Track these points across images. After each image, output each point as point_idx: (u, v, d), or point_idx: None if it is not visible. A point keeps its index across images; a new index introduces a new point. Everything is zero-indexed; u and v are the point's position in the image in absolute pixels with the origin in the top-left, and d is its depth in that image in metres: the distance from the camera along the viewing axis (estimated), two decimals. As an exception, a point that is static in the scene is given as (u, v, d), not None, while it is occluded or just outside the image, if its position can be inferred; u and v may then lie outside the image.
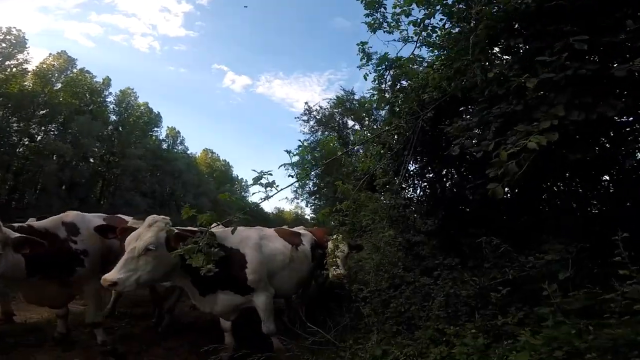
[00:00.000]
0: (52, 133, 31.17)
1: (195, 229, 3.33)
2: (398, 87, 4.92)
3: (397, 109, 4.75)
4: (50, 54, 33.30)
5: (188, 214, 2.91)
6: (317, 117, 22.68)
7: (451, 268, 3.31)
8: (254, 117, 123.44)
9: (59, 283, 3.49)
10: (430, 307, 2.98)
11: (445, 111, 4.12)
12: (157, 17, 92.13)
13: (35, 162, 28.64)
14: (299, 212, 61.15)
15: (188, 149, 53.26)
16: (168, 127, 49.46)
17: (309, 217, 33.68)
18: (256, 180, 3.12)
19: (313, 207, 24.62)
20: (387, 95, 5.00)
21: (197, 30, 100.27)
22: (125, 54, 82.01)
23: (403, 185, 4.66)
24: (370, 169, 4.94)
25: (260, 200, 3.27)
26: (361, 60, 5.02)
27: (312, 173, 23.34)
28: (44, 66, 31.46)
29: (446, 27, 4.00)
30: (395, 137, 4.69)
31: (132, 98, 40.71)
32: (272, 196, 3.28)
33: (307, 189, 23.22)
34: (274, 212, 73.99)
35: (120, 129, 38.91)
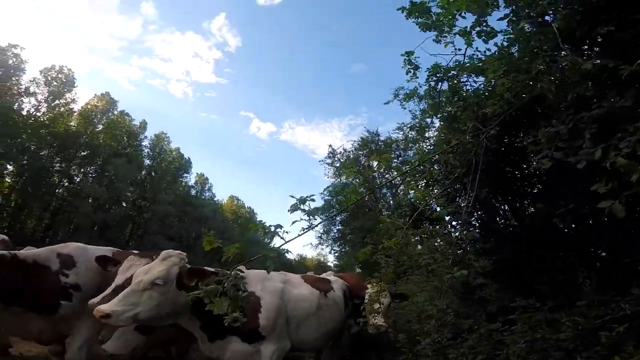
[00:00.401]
0: (90, 175, 32.86)
1: (212, 269, 2.96)
2: (456, 98, 4.37)
3: (456, 125, 4.18)
4: (95, 94, 35.73)
5: (212, 245, 2.35)
6: (341, 160, 22.48)
7: (528, 310, 2.89)
8: (278, 163, 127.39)
9: (44, 317, 3.21)
10: (506, 355, 2.67)
11: (510, 126, 3.59)
12: (190, 63, 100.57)
13: (71, 203, 29.89)
14: (322, 259, 59.76)
15: (215, 196, 54.79)
16: (197, 173, 51.38)
17: (332, 264, 32.29)
18: (295, 207, 2.56)
19: (337, 254, 23.40)
20: (442, 107, 4.50)
21: (226, 77, 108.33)
22: (161, 98, 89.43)
23: (470, 215, 3.95)
24: (425, 200, 4.24)
25: (302, 232, 2.69)
26: (407, 73, 4.62)
27: (337, 219, 22.71)
28: (89, 107, 33.75)
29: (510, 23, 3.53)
30: (452, 159, 4.06)
31: (165, 143, 42.95)
32: (312, 228, 2.70)
33: (332, 234, 22.27)
34: (296, 259, 72.38)
35: (153, 173, 40.75)
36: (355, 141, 22.01)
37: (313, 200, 2.67)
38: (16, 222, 27.05)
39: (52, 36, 72.28)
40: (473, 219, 4.59)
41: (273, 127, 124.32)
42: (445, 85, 4.59)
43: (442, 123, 5.25)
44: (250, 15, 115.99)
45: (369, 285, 4.17)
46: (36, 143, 27.25)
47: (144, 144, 40.05)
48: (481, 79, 4.30)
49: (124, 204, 37.25)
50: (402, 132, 15.81)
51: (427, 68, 4.45)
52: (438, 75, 4.39)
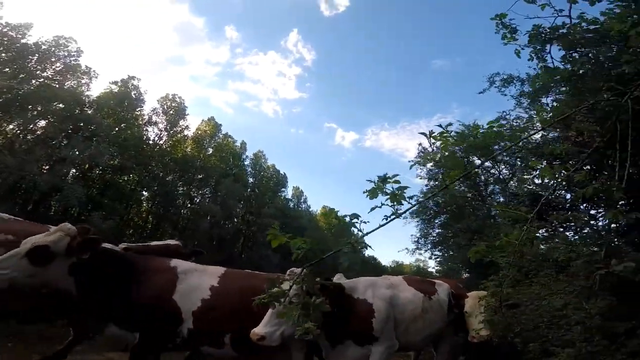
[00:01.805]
0: (206, 196, 38.22)
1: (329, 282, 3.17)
2: (578, 57, 3.37)
3: (583, 87, 3.16)
4: (202, 120, 40.96)
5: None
6: (435, 159, 20.41)
7: None
8: (365, 170, 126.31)
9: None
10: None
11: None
12: (276, 82, 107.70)
13: (194, 222, 35.16)
14: (421, 265, 56.42)
15: (310, 207, 57.70)
16: (293, 187, 54.85)
17: (433, 270, 30.20)
18: (376, 191, 2.07)
19: (439, 259, 21.36)
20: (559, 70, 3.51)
21: (307, 92, 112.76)
22: (256, 118, 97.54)
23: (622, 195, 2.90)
24: (552, 185, 3.26)
25: (385, 221, 2.17)
26: (503, 38, 3.83)
27: (436, 221, 20.83)
28: (199, 132, 38.83)
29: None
30: (588, 125, 3.04)
31: (263, 160, 47.11)
32: (399, 215, 2.14)
33: (431, 239, 20.45)
34: (392, 265, 69.81)
35: (257, 190, 45.11)
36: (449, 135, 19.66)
37: (398, 182, 2.11)
38: (153, 238, 33.10)
39: (155, 68, 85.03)
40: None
41: (356, 135, 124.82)
42: (554, 50, 3.66)
43: (564, 88, 4.28)
44: (319, 27, 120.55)
45: (471, 293, 4.20)
46: (162, 169, 32.90)
47: (246, 163, 44.63)
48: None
49: (235, 220, 42.19)
50: (506, 122, 13.49)
51: (527, 31, 3.61)
52: (543, 35, 3.47)
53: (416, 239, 20.92)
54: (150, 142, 33.31)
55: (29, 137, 25.98)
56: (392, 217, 1.96)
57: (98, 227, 24.84)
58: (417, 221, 20.47)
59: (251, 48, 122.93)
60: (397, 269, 65.45)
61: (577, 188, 3.46)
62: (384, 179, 1.91)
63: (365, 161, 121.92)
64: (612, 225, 3.71)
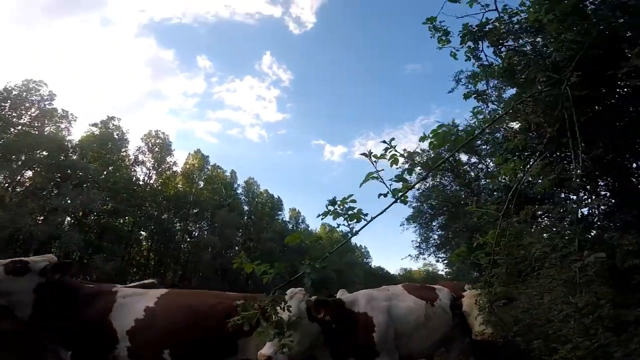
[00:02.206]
0: (204, 228, 37.98)
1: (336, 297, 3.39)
2: (506, 51, 3.57)
3: (523, 78, 3.30)
4: (189, 153, 40.60)
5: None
6: (422, 161, 20.59)
7: None
8: (357, 182, 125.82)
9: None
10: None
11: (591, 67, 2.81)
12: (257, 106, 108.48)
13: (195, 254, 34.85)
14: (430, 269, 55.85)
15: (309, 226, 57.24)
16: (290, 208, 54.80)
17: (443, 273, 29.93)
18: (327, 213, 2.14)
19: (446, 261, 21.20)
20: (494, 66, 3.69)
21: (289, 112, 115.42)
22: (242, 145, 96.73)
23: (586, 181, 2.99)
24: (518, 177, 3.34)
25: (344, 239, 2.24)
26: (439, 42, 4.01)
27: (434, 224, 20.81)
28: (187, 166, 38.77)
29: None
30: (534, 117, 3.16)
31: (255, 187, 47.25)
32: (358, 231, 2.20)
33: (432, 242, 20.34)
34: (401, 274, 69.02)
35: (253, 217, 45.08)
36: (431, 137, 19.79)
37: (354, 201, 2.19)
38: (157, 276, 32.67)
39: (133, 105, 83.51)
40: (600, 187, 3.53)
41: (344, 148, 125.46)
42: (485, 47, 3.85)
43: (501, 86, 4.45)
44: (291, 46, 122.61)
45: (467, 292, 4.08)
46: (157, 209, 32.84)
47: (238, 191, 44.74)
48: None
49: (235, 248, 41.84)
50: (481, 116, 13.71)
51: (459, 31, 3.78)
52: (473, 33, 3.64)
53: (417, 244, 20.79)
54: (141, 182, 33.41)
55: (18, 189, 25.97)
56: (349, 235, 2.03)
57: (101, 269, 24.84)
58: (415, 226, 20.42)
59: (226, 75, 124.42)
60: (406, 277, 64.82)
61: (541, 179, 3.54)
62: (333, 202, 1.99)
63: (357, 172, 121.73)
64: (592, 211, 3.61)
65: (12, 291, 3.05)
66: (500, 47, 3.73)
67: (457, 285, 5.13)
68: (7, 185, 25.64)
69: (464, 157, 19.38)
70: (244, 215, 44.05)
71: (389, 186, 2.05)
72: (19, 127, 26.28)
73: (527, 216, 3.21)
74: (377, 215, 2.05)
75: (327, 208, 2.05)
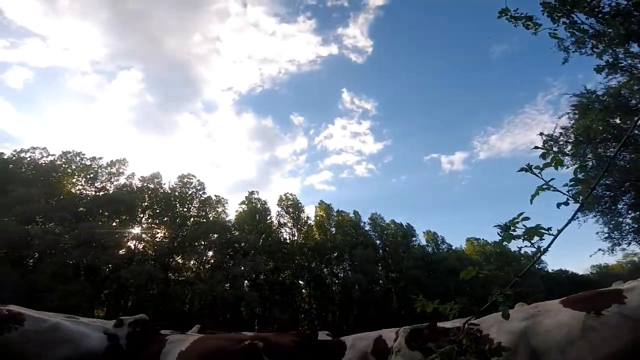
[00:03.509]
0: (347, 269, 39.81)
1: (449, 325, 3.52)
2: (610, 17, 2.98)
3: None
4: (315, 206, 45.34)
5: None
6: (569, 140, 16.76)
7: None
8: (494, 182, 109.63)
9: None
10: None
11: None
12: (356, 143, 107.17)
13: (345, 294, 36.65)
14: (637, 259, 43.26)
15: (452, 245, 53.13)
16: (424, 232, 52.19)
17: None
18: (504, 239, 2.13)
19: (658, 247, 16.10)
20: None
21: (387, 138, 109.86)
22: (356, 184, 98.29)
23: None
24: None
25: (532, 260, 2.16)
26: (527, 28, 3.59)
27: (620, 207, 16.24)
28: (317, 218, 43.16)
29: None
30: None
31: (380, 220, 47.61)
32: (547, 249, 2.10)
33: (626, 227, 15.84)
34: (593, 272, 55.03)
35: (387, 249, 44.95)
36: (568, 113, 16.02)
37: (527, 218, 2.14)
38: (319, 318, 35.63)
39: (261, 176, 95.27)
40: None
41: (464, 154, 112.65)
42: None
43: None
44: (361, 75, 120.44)
45: None
46: (305, 260, 36.80)
47: (366, 229, 45.98)
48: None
49: (380, 282, 41.87)
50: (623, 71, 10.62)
51: (541, 10, 3.42)
52: (557, 9, 3.21)
53: (606, 235, 16.54)
54: (287, 240, 38.87)
55: (207, 266, 33.62)
56: (538, 254, 1.95)
57: (279, 318, 30.05)
58: (594, 215, 16.43)
59: (319, 124, 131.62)
60: (602, 273, 52.38)
61: None
62: (506, 228, 1.97)
63: (490, 174, 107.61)
64: None
65: (120, 336, 5.22)
66: (600, 14, 3.18)
67: None
68: (198, 264, 33.56)
69: (625, 122, 15.06)
70: (378, 249, 44.33)
71: (567, 193, 1.93)
72: (192, 219, 34.62)
73: None
74: (565, 226, 1.91)
75: (499, 235, 2.06)
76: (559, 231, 1.95)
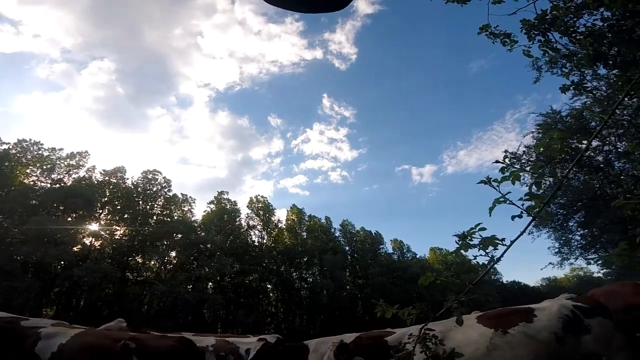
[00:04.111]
0: (316, 274, 39.80)
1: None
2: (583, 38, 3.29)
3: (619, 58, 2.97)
4: (287, 210, 45.23)
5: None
6: (531, 159, 17.99)
7: None
8: (460, 199, 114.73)
9: None
10: None
11: None
12: (332, 150, 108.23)
13: (313, 298, 36.53)
14: (582, 273, 46.96)
15: (416, 254, 54.72)
16: (391, 240, 53.42)
17: (601, 275, 26.29)
18: (461, 247, 2.24)
19: (600, 262, 17.51)
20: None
21: (363, 146, 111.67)
22: (330, 190, 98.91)
23: None
24: None
25: (486, 269, 2.28)
26: (504, 44, 3.84)
27: (572, 224, 17.60)
28: (289, 222, 42.73)
29: None
30: None
31: (350, 227, 48.25)
32: (500, 258, 2.24)
33: (576, 243, 17.13)
34: (543, 284, 58.97)
35: (355, 255, 45.54)
36: (533, 132, 17.22)
37: (484, 229, 2.27)
38: (286, 322, 35.14)
39: (233, 176, 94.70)
40: None
41: (433, 167, 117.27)
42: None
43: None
44: (343, 82, 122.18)
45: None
46: (274, 263, 36.35)
47: (336, 235, 46.40)
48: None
49: (347, 288, 42.22)
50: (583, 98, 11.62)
51: (520, 27, 3.67)
52: (535, 27, 3.49)
53: (557, 250, 17.83)
54: (256, 243, 38.15)
55: (169, 267, 32.16)
56: (491, 263, 2.07)
57: (244, 322, 28.85)
58: (547, 231, 17.64)
59: (297, 127, 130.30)
60: (551, 286, 56.05)
61: None
62: (463, 237, 2.08)
63: (456, 188, 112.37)
64: None
65: None
66: (573, 34, 3.46)
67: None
68: (159, 265, 32.04)
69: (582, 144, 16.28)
70: (347, 256, 44.80)
71: (521, 206, 2.07)
72: (155, 218, 33.12)
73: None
74: (516, 238, 2.03)
75: (457, 243, 2.16)
76: (512, 242, 2.09)
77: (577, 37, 3.55)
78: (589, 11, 3.64)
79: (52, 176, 30.35)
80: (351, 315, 38.48)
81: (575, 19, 3.55)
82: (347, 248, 46.05)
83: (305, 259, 39.29)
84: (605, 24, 3.36)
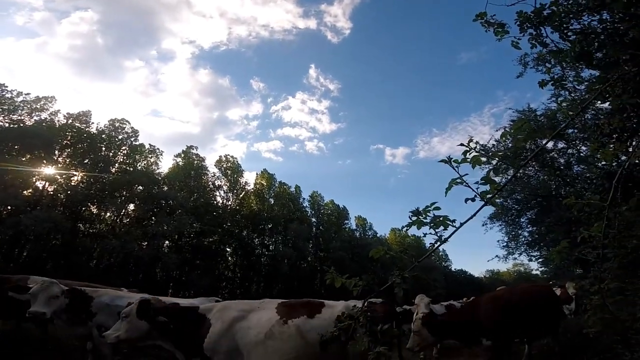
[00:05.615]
0: (279, 242, 40.01)
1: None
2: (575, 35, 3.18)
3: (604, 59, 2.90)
4: (257, 174, 43.76)
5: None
6: (499, 153, 18.62)
7: None
8: (426, 183, 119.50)
9: None
10: None
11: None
12: (312, 120, 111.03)
13: (273, 266, 36.87)
14: (522, 269, 50.68)
15: (377, 233, 56.73)
16: (356, 217, 54.62)
17: (538, 272, 28.55)
18: (414, 223, 2.10)
19: (541, 260, 18.87)
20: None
21: (343, 121, 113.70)
22: (304, 159, 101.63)
23: None
24: (622, 158, 2.90)
25: (433, 248, 2.17)
26: (496, 34, 3.67)
27: (523, 220, 18.72)
28: (257, 186, 41.75)
29: None
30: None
31: (320, 199, 48.45)
32: (447, 238, 2.12)
33: (523, 239, 18.26)
34: (487, 276, 63.77)
35: (321, 227, 46.18)
36: (505, 127, 17.73)
37: (438, 208, 2.12)
38: (242, 288, 35.29)
39: (206, 134, 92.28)
40: None
41: (407, 149, 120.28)
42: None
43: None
44: (333, 55, 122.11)
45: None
46: (237, 227, 35.76)
47: (304, 205, 46.41)
48: None
49: (308, 259, 43.19)
50: (562, 100, 11.94)
51: (514, 19, 3.47)
52: (531, 20, 3.31)
53: (505, 244, 18.91)
54: (220, 204, 36.93)
55: (125, 220, 30.85)
56: (438, 243, 1.97)
57: (198, 284, 28.47)
58: (500, 224, 18.62)
59: (280, 94, 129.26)
60: (494, 279, 60.27)
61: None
62: (417, 212, 1.96)
63: (424, 173, 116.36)
64: None
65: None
66: (565, 30, 3.34)
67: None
68: (115, 217, 30.63)
69: (549, 144, 17.12)
70: (312, 227, 45.30)
71: (476, 190, 1.96)
72: (117, 166, 31.25)
73: (638, 203, 2.75)
74: (466, 221, 1.95)
75: (410, 219, 2.02)
76: (461, 224, 1.98)
77: (569, 35, 3.45)
78: (590, 13, 3.51)
79: (12, 117, 27.35)
80: (309, 287, 39.57)
81: (573, 18, 3.43)
82: (313, 220, 46.38)
83: (269, 226, 39.04)
84: (600, 26, 3.26)
